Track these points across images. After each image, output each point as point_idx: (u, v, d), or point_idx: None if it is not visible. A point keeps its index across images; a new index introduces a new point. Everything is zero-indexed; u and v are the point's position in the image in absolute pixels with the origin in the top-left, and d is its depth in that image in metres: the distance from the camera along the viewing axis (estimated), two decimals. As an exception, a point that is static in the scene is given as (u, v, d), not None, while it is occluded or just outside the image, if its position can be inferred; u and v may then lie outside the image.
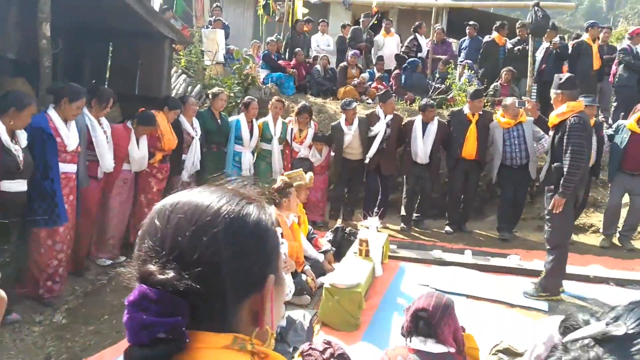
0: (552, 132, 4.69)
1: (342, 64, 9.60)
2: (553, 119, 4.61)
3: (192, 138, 5.93)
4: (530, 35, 8.26)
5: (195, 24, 9.92)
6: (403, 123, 7.07)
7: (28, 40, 5.11)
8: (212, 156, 6.37)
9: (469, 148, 6.68)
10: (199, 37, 9.43)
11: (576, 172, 4.48)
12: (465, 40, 10.04)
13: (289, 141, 6.88)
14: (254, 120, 6.69)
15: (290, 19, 10.30)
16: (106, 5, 5.52)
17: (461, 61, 9.42)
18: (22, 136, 3.87)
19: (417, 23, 10.42)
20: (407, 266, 5.54)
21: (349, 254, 4.93)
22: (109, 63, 7.31)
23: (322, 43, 10.67)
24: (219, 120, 6.47)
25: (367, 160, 6.83)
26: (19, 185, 3.83)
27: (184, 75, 8.87)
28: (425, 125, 6.77)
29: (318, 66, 9.47)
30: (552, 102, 4.70)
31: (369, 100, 8.97)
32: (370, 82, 9.51)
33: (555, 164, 4.62)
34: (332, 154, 7.03)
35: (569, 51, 8.48)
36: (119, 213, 5.20)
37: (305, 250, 4.86)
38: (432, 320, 2.47)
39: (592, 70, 8.17)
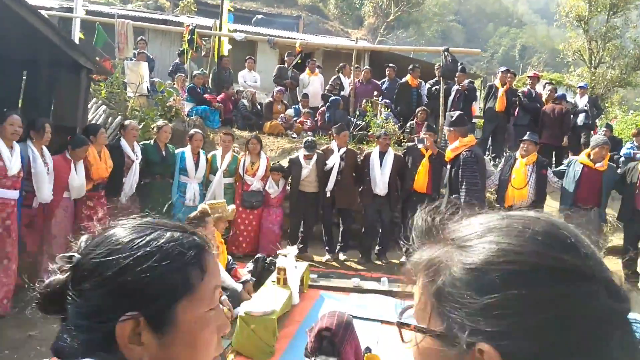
0: (449, 166, 5.07)
1: (268, 100, 9.81)
2: (448, 153, 5.01)
3: (133, 162, 6.05)
4: (441, 78, 8.92)
5: (117, 55, 9.80)
6: (361, 156, 7.21)
7: None
8: (156, 185, 6.39)
9: (421, 182, 6.68)
10: (122, 69, 9.32)
11: (472, 202, 4.84)
12: (385, 81, 10.63)
13: (241, 174, 6.85)
14: (200, 152, 6.72)
15: (215, 55, 10.44)
16: (20, 33, 5.39)
17: (380, 101, 9.94)
18: None
19: (341, 64, 10.93)
20: (326, 294, 5.64)
21: (267, 283, 4.96)
22: (22, 92, 7.03)
23: (249, 79, 10.87)
24: (163, 152, 6.51)
25: (328, 194, 6.87)
26: None
27: (104, 106, 8.68)
28: (382, 155, 6.89)
29: (245, 100, 9.63)
30: (446, 138, 5.10)
31: (294, 135, 9.20)
32: (295, 118, 9.77)
33: (453, 195, 4.98)
34: (288, 187, 7.05)
35: (478, 93, 9.23)
36: (60, 240, 5.08)
37: (223, 281, 4.84)
38: (334, 339, 2.56)
39: (495, 111, 8.90)
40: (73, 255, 0.80)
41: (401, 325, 0.67)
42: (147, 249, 0.78)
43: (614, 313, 0.57)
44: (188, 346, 0.78)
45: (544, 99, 9.15)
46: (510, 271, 0.57)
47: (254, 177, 6.86)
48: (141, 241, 0.79)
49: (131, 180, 6.08)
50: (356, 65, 10.48)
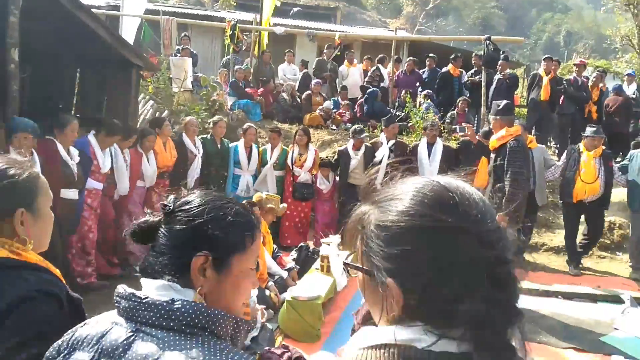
0: (494, 155, 5.05)
1: (306, 92, 9.96)
2: (493, 142, 4.98)
3: (195, 156, 6.44)
4: (483, 67, 8.83)
5: (163, 52, 10.13)
6: (409, 148, 7.10)
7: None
8: (212, 178, 6.71)
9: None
10: (167, 64, 9.65)
11: (517, 191, 4.82)
12: (425, 71, 10.58)
13: (290, 166, 6.99)
14: (253, 145, 6.95)
15: (256, 49, 10.65)
16: (74, 32, 5.68)
17: (421, 91, 9.92)
18: (74, 153, 4.74)
19: (380, 56, 10.94)
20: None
21: (311, 270, 5.12)
22: (76, 89, 7.41)
23: (289, 72, 11.04)
24: (219, 146, 6.83)
25: (378, 187, 6.77)
26: (73, 194, 4.60)
27: (151, 101, 9.02)
28: (430, 146, 6.79)
29: (285, 94, 9.80)
30: (491, 127, 5.08)
31: (333, 127, 9.32)
32: (334, 110, 9.88)
33: (497, 185, 4.96)
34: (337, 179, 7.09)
35: (519, 82, 9.08)
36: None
37: (270, 267, 5.03)
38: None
39: (540, 100, 8.74)
40: (166, 205, 1.11)
41: (345, 265, 0.92)
42: (225, 211, 1.10)
43: (481, 259, 0.76)
44: (233, 287, 1.09)
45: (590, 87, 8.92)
46: (404, 228, 0.80)
47: (301, 169, 6.95)
48: (222, 203, 1.11)
49: (194, 172, 6.46)
50: (395, 56, 10.46)
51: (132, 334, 0.97)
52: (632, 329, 4.69)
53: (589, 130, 6.36)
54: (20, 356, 1.25)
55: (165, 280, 1.04)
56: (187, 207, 1.09)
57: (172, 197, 1.14)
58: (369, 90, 9.65)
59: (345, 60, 10.84)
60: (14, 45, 4.57)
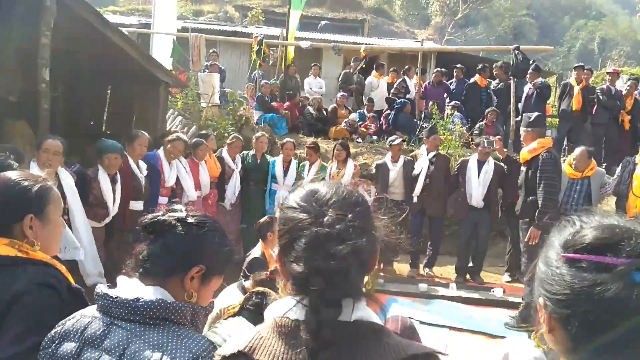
0: (525, 168, 4.92)
1: (332, 105, 9.97)
2: (525, 155, 4.86)
3: (233, 171, 6.63)
4: (512, 77, 8.66)
5: (191, 68, 10.32)
6: (457, 163, 6.80)
7: (28, 84, 5.41)
8: (250, 191, 6.85)
9: None
10: (195, 80, 9.81)
11: (550, 204, 4.69)
12: (452, 82, 10.45)
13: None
14: (292, 160, 6.93)
15: (282, 64, 10.74)
16: (104, 51, 5.85)
17: (448, 103, 9.79)
18: (143, 166, 4.96)
19: (406, 67, 10.88)
20: (393, 299, 5.65)
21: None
22: (107, 106, 7.62)
23: (315, 86, 11.08)
24: (258, 160, 6.93)
25: (414, 199, 6.46)
26: (140, 205, 4.79)
27: (180, 117, 9.18)
28: (480, 164, 6.30)
29: (310, 108, 9.83)
30: (522, 139, 4.96)
31: (359, 140, 9.27)
32: (360, 122, 9.85)
33: (530, 198, 4.83)
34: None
35: (552, 91, 8.87)
36: None
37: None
38: (400, 342, 2.60)
39: (571, 110, 8.50)
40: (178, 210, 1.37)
41: None
42: (221, 235, 1.42)
43: (317, 234, 0.96)
44: (206, 298, 1.37)
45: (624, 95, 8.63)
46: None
47: None
48: (217, 226, 1.44)
49: (233, 187, 6.62)
50: (421, 68, 10.38)
51: (107, 326, 1.20)
52: None
53: None
54: (25, 344, 1.40)
55: (140, 279, 1.29)
56: (192, 221, 1.34)
57: (181, 206, 1.39)
58: (398, 101, 9.57)
59: (374, 72, 10.81)
60: (45, 66, 4.72)
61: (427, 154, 6.60)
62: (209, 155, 6.39)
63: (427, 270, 6.66)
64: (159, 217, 1.32)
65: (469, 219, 6.33)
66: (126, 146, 4.82)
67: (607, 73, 9.45)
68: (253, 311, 2.93)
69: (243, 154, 6.93)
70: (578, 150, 5.67)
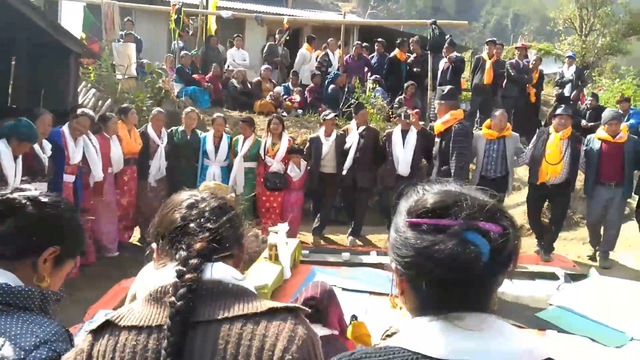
0: (439, 139, 5.20)
1: (256, 78, 9.86)
2: (439, 126, 5.13)
3: (158, 146, 6.45)
4: (429, 51, 8.99)
5: (105, 37, 9.76)
6: (383, 135, 6.94)
7: None
8: (182, 167, 6.69)
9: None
10: (110, 51, 9.31)
11: (461, 172, 5.01)
12: (374, 56, 10.66)
13: (262, 155, 6.79)
14: (224, 135, 6.79)
15: (203, 34, 10.42)
16: (6, 19, 5.41)
17: (370, 76, 10.00)
18: (47, 146, 4.77)
19: (330, 40, 10.94)
20: (317, 269, 5.82)
21: (260, 259, 5.14)
22: (11, 78, 7.06)
23: (238, 57, 10.87)
24: (188, 136, 6.73)
25: (344, 172, 6.69)
26: (44, 186, 4.51)
27: (93, 90, 8.71)
28: (404, 134, 6.47)
29: (235, 80, 9.66)
30: (436, 111, 5.22)
31: (284, 114, 9.28)
32: (285, 96, 9.83)
33: (443, 167, 5.13)
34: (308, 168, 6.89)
35: (465, 65, 9.31)
36: (109, 213, 5.94)
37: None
38: (319, 306, 2.73)
39: (483, 84, 9.00)
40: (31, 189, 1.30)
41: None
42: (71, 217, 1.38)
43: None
44: (58, 281, 1.32)
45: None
46: None
47: (274, 159, 6.76)
48: (70, 207, 1.39)
49: (158, 163, 6.47)
50: (344, 41, 10.49)
51: None
52: (566, 304, 4.98)
53: (559, 109, 6.27)
54: None
55: None
56: (46, 200, 1.27)
57: (31, 185, 1.33)
58: (334, 72, 9.60)
59: (306, 44, 10.77)
60: None
61: (357, 129, 6.74)
62: (128, 130, 6.21)
63: (351, 238, 6.92)
64: (7, 196, 1.22)
65: (396, 188, 6.56)
66: None
67: (516, 48, 10.06)
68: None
69: (172, 130, 6.77)
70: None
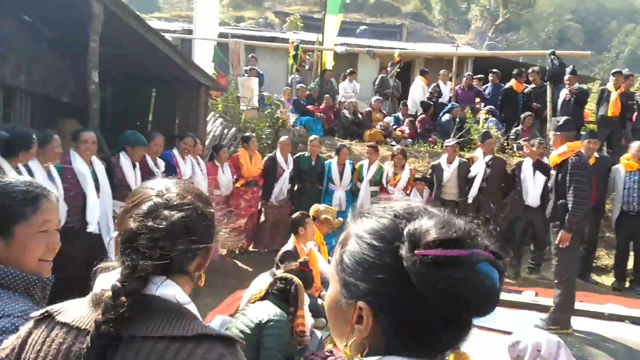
0: (555, 171, 4.93)
1: (366, 109, 10.11)
2: (554, 158, 4.87)
3: (284, 170, 7.10)
4: (548, 82, 8.59)
5: (231, 72, 10.68)
6: (512, 166, 7.03)
7: (80, 87, 5.81)
8: (307, 191, 7.29)
9: None
10: (235, 84, 10.15)
11: (579, 207, 4.68)
12: (488, 87, 10.41)
13: (384, 184, 7.14)
14: (347, 162, 7.27)
15: (318, 68, 10.96)
16: (148, 56, 6.20)
17: (483, 107, 9.77)
18: (161, 164, 5.50)
19: (442, 71, 10.92)
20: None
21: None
22: (152, 107, 8.01)
23: (350, 89, 11.26)
24: (312, 162, 7.32)
25: (469, 200, 6.81)
26: None
27: (220, 119, 9.53)
28: (535, 164, 6.52)
29: (346, 111, 10.00)
30: (551, 143, 4.97)
31: (393, 143, 9.37)
32: (395, 126, 9.94)
33: (560, 201, 4.83)
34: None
35: (589, 96, 8.74)
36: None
37: (324, 275, 5.17)
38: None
39: (608, 116, 8.35)
40: None
41: None
42: (4, 190, 1.42)
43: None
44: (20, 249, 1.37)
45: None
46: None
47: (395, 188, 7.08)
48: (2, 184, 1.44)
49: (281, 185, 7.07)
50: (457, 72, 10.41)
51: None
52: None
53: None
54: None
55: None
56: None
57: None
58: (451, 104, 9.60)
59: (420, 77, 10.93)
60: (94, 68, 5.07)
61: (484, 157, 6.85)
62: (249, 156, 7.01)
63: None
64: None
65: (524, 217, 6.60)
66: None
67: (645, 78, 9.20)
68: (278, 295, 3.13)
69: (298, 156, 7.36)
70: (636, 144, 6.24)
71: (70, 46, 6.04)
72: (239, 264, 6.79)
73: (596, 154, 6.48)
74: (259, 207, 7.27)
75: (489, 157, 6.86)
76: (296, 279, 3.19)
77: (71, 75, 6.41)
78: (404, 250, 0.77)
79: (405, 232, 0.79)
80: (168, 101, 7.65)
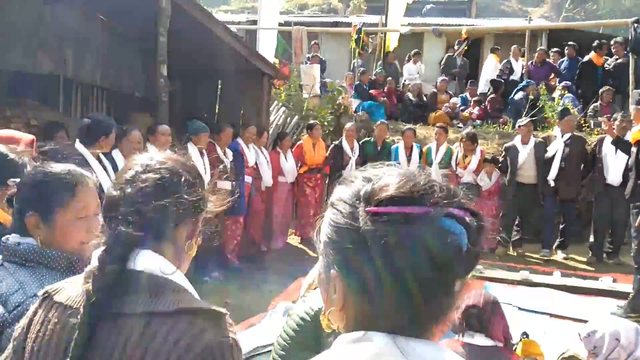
0: (635, 149, 4.57)
1: (432, 91, 9.83)
2: (636, 134, 4.52)
3: (350, 158, 7.08)
4: (630, 53, 7.92)
5: (294, 60, 10.74)
6: (592, 142, 6.67)
7: (151, 81, 6.08)
8: None
9: None
10: (298, 72, 10.21)
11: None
12: (564, 61, 9.79)
13: (454, 166, 7.00)
14: (414, 145, 7.17)
15: (381, 51, 10.77)
16: (214, 48, 6.37)
17: (559, 83, 9.21)
18: (229, 153, 5.81)
19: (513, 47, 10.38)
20: (491, 286, 5.53)
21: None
22: (218, 99, 8.25)
23: (414, 71, 10.99)
24: (378, 147, 7.30)
25: (551, 183, 6.44)
26: (228, 185, 5.39)
27: (283, 108, 9.64)
28: (617, 141, 6.03)
29: (410, 94, 9.79)
30: (632, 118, 4.60)
31: (460, 125, 9.06)
32: (462, 107, 9.60)
33: (639, 181, 4.48)
34: (505, 178, 6.80)
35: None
36: (281, 215, 6.94)
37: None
38: (483, 316, 2.63)
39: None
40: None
41: None
42: (40, 175, 1.50)
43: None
44: (62, 233, 1.44)
45: None
46: None
47: (464, 170, 6.87)
48: (38, 169, 1.54)
49: (348, 172, 6.86)
50: (530, 48, 9.85)
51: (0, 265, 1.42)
52: None
53: None
54: None
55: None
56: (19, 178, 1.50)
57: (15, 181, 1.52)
58: (526, 81, 9.15)
59: (492, 54, 10.47)
60: (163, 62, 5.29)
61: (562, 136, 6.47)
62: (313, 144, 7.01)
63: (559, 252, 6.61)
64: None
65: (606, 198, 6.20)
66: (215, 136, 5.68)
67: None
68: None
69: (363, 142, 7.32)
70: None
71: (142, 42, 6.33)
72: (306, 249, 6.89)
73: None
74: (325, 196, 7.29)
75: (567, 135, 6.43)
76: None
77: (143, 70, 6.73)
78: (360, 210, 0.73)
79: (362, 191, 0.75)
80: (233, 92, 7.83)
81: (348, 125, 7.38)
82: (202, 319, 0.97)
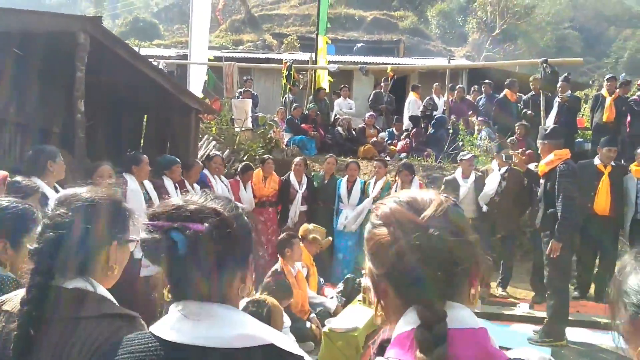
0: (543, 180, 4.88)
1: (360, 125, 10.14)
2: (542, 167, 4.83)
3: (297, 192, 6.96)
4: (541, 90, 8.57)
5: (225, 95, 10.76)
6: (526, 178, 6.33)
7: (69, 116, 5.87)
8: (321, 211, 7.07)
9: (602, 204, 5.96)
10: (229, 106, 10.22)
11: (569, 216, 4.62)
12: (482, 98, 10.41)
13: None
14: (357, 179, 7.03)
15: (312, 87, 11.03)
16: (139, 82, 6.27)
17: (477, 118, 9.76)
18: (197, 188, 5.68)
19: (435, 84, 10.96)
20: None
21: (354, 302, 5.13)
22: (143, 133, 8.07)
23: (344, 107, 11.30)
24: (326, 181, 7.20)
25: (483, 209, 6.25)
26: None
27: (214, 142, 9.57)
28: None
29: (340, 128, 10.02)
30: (539, 152, 4.94)
31: (387, 158, 9.35)
32: (389, 141, 9.94)
33: (549, 210, 4.78)
34: None
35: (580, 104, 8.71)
36: None
37: (313, 299, 5.11)
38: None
39: (603, 122, 8.31)
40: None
41: None
42: (7, 205, 1.79)
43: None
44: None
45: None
46: None
47: None
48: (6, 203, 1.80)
49: (295, 207, 6.94)
50: (452, 85, 10.44)
51: None
52: None
53: None
54: None
55: None
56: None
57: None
58: (438, 116, 9.58)
59: (412, 92, 10.98)
60: (80, 97, 5.13)
61: (499, 169, 6.36)
62: (264, 177, 6.99)
63: (500, 290, 6.37)
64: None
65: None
66: (184, 172, 5.76)
67: (638, 84, 9.20)
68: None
69: (312, 175, 7.30)
70: None
71: (62, 77, 6.12)
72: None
73: (613, 163, 6.06)
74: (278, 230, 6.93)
75: (504, 168, 6.29)
76: (270, 299, 3.15)
77: (61, 105, 6.48)
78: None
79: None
80: (159, 126, 7.71)
81: (297, 159, 7.25)
82: (120, 320, 1.26)
